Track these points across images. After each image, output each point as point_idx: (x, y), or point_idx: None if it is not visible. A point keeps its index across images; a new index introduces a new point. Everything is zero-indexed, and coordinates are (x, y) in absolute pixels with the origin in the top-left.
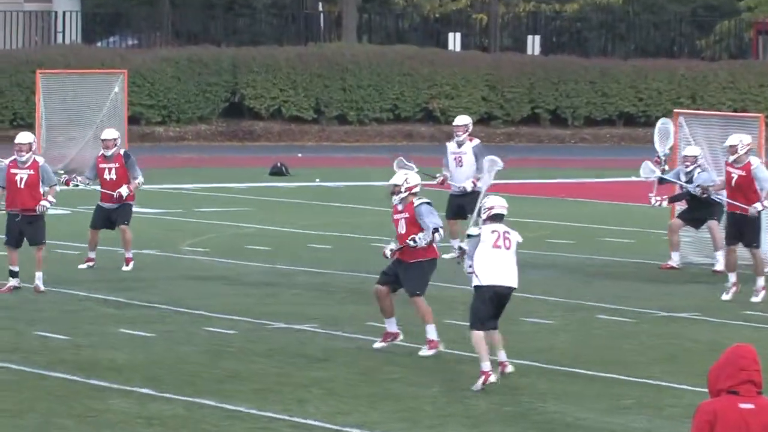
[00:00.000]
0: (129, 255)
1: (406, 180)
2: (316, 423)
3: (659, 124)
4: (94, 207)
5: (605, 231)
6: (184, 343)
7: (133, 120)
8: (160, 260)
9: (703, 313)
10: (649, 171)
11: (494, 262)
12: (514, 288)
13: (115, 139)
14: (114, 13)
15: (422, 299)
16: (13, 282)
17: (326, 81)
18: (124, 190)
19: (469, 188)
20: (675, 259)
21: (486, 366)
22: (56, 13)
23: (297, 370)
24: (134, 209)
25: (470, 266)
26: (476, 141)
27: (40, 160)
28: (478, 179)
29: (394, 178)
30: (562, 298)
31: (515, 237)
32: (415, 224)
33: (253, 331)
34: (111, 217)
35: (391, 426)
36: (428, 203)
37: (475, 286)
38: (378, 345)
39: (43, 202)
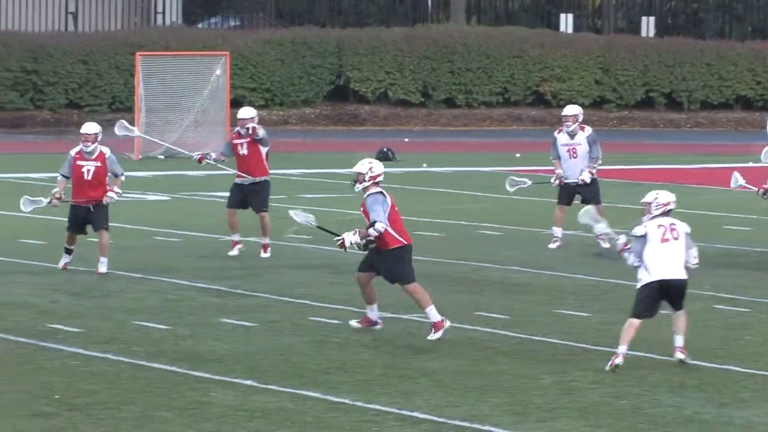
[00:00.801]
0: (266, 241)
1: (370, 168)
2: (423, 416)
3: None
4: (231, 186)
5: (723, 219)
6: (288, 334)
7: (235, 103)
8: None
9: None
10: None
11: (663, 256)
12: (685, 279)
13: (251, 118)
14: None
15: (414, 285)
16: (66, 259)
17: (434, 63)
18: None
19: (588, 180)
20: None
21: (622, 349)
22: None
23: (404, 361)
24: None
25: (636, 262)
26: (589, 129)
27: (106, 150)
28: (594, 169)
29: (357, 165)
30: None
31: (682, 228)
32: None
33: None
34: (248, 197)
35: (500, 419)
36: (378, 193)
37: (643, 282)
38: (353, 323)
39: (110, 194)
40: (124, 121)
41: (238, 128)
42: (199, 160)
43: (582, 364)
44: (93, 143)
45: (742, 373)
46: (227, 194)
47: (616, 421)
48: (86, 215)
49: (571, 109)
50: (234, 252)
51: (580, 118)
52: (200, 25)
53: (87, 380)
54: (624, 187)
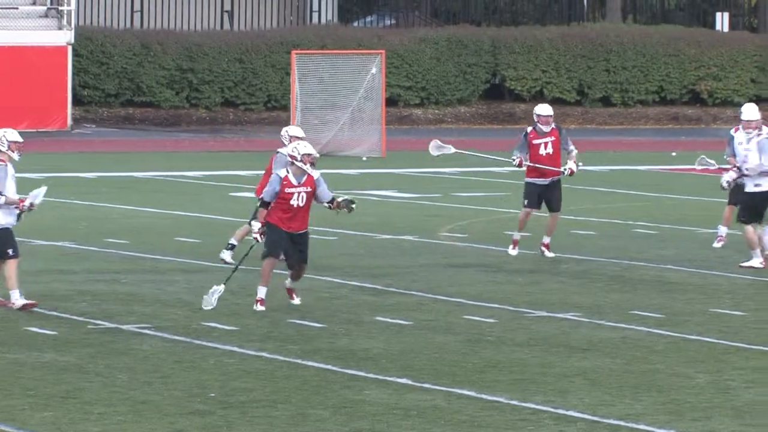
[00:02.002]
0: (546, 240)
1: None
2: (579, 414)
3: None
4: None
5: None
6: (442, 332)
7: (390, 102)
8: (418, 246)
9: None
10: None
11: None
12: None
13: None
14: None
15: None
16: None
17: (589, 62)
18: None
19: None
20: None
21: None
22: None
23: (559, 360)
24: (391, 194)
25: None
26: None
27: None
28: None
29: (310, 147)
30: None
31: None
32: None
33: (514, 320)
34: (545, 194)
35: (656, 418)
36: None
37: None
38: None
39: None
40: (437, 140)
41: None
42: (519, 164)
43: (738, 363)
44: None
45: None
46: (384, 192)
47: None
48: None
49: (756, 113)
50: (514, 252)
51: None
52: (355, 24)
53: (242, 378)
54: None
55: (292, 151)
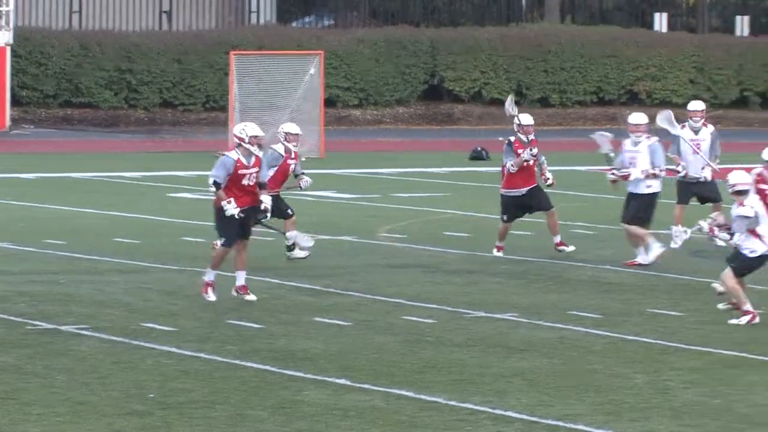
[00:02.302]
0: (557, 239)
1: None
2: (517, 415)
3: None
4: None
5: None
6: (381, 333)
7: (329, 102)
8: (357, 247)
9: None
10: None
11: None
12: None
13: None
14: None
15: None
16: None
17: (528, 63)
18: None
19: (709, 178)
20: None
21: (749, 307)
22: None
23: (497, 360)
24: (329, 194)
25: (734, 241)
26: (711, 126)
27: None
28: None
29: (258, 129)
30: None
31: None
32: None
33: (453, 321)
34: (525, 203)
35: (594, 418)
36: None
37: (758, 256)
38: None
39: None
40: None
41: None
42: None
43: (675, 364)
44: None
45: None
46: (323, 193)
47: (710, 421)
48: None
49: (698, 104)
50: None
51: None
52: (294, 24)
53: (180, 379)
54: (719, 186)
55: (240, 133)
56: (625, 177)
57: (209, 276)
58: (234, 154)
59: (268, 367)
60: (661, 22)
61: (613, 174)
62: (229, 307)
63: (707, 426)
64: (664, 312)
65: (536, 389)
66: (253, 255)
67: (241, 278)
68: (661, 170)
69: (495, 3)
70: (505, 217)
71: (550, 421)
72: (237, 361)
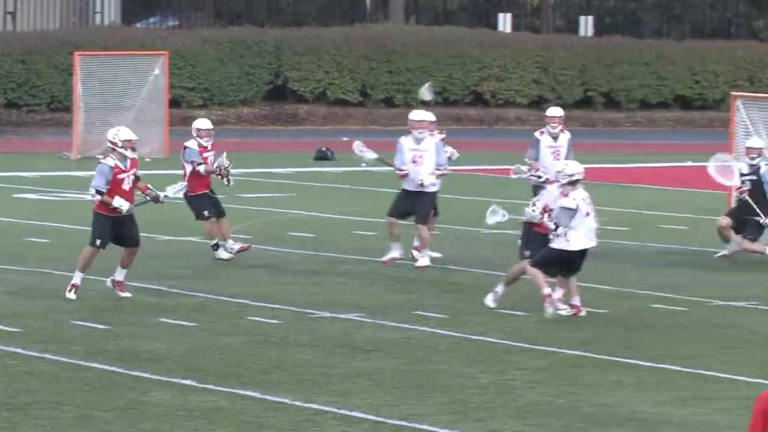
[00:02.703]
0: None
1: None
2: (362, 415)
3: (714, 164)
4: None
5: (661, 218)
6: (226, 333)
7: (173, 103)
8: (201, 247)
9: (762, 302)
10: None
11: (585, 227)
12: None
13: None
14: None
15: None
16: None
17: (372, 63)
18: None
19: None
20: (730, 248)
21: (547, 290)
22: None
23: (342, 360)
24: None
25: (558, 230)
26: (568, 133)
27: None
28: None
29: (130, 132)
30: (615, 287)
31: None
32: None
33: (298, 321)
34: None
35: (439, 418)
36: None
37: (556, 248)
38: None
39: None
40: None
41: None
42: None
43: (520, 363)
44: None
45: (679, 371)
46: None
47: (554, 420)
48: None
49: (557, 111)
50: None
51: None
52: (139, 25)
53: (25, 380)
54: None
55: (113, 138)
56: (405, 174)
57: (76, 278)
58: (110, 161)
59: (113, 368)
60: (505, 22)
61: (401, 170)
62: (74, 308)
63: (552, 426)
64: (509, 312)
65: (381, 389)
66: (98, 257)
67: (120, 274)
68: (445, 169)
69: (339, 3)
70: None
71: (395, 421)
72: (82, 362)
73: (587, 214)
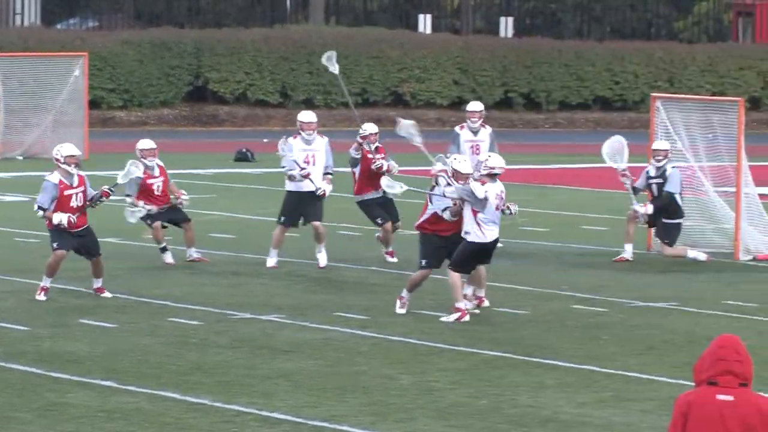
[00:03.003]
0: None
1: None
2: (283, 416)
3: (608, 144)
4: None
5: (581, 219)
6: (147, 335)
7: (93, 104)
8: (122, 249)
9: (681, 303)
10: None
11: (495, 221)
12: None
13: None
14: None
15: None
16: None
17: (293, 64)
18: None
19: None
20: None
21: (461, 305)
22: None
23: (263, 361)
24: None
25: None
26: (489, 128)
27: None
28: None
29: (73, 148)
30: (535, 288)
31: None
32: None
33: (219, 322)
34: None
35: (360, 419)
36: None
37: (472, 241)
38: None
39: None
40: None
41: None
42: None
43: (441, 364)
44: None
45: (600, 373)
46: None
47: (476, 422)
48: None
49: (477, 105)
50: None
51: (484, 114)
52: (59, 26)
53: None
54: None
55: (56, 155)
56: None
57: (45, 282)
58: (54, 177)
59: (33, 370)
60: (425, 23)
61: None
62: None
63: (473, 427)
64: (430, 313)
65: (302, 390)
66: (18, 258)
67: (96, 282)
68: (332, 171)
69: (259, 4)
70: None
71: (316, 423)
72: (2, 363)
73: (496, 208)
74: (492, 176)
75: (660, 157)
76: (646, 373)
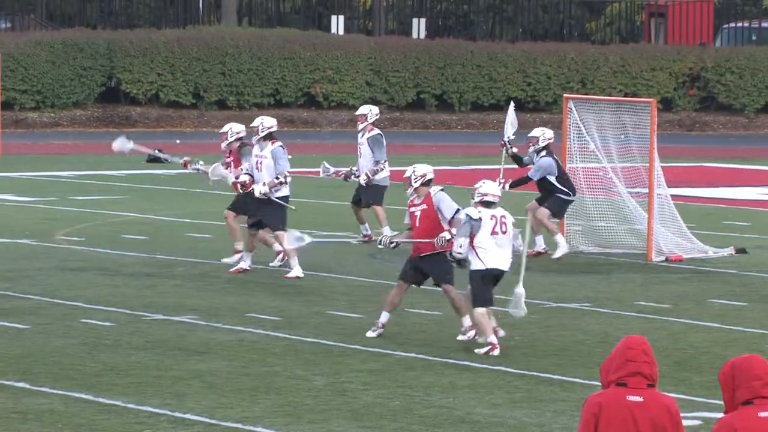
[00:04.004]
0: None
1: None
2: (196, 417)
3: (511, 108)
4: None
5: None
6: (60, 336)
7: (6, 105)
8: (35, 250)
9: (594, 304)
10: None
11: (494, 246)
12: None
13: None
14: None
15: None
16: None
17: (205, 65)
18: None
19: (363, 182)
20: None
21: (493, 339)
22: None
23: (176, 363)
24: (7, 197)
25: (461, 248)
26: (375, 131)
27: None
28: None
29: None
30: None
31: (510, 220)
32: None
33: (131, 323)
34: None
35: (273, 421)
36: None
37: (476, 270)
38: None
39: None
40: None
41: None
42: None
43: (354, 366)
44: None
45: (513, 373)
46: (2, 196)
47: (389, 423)
48: None
49: (361, 109)
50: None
51: (371, 118)
52: None
53: None
54: (393, 188)
55: None
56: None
57: None
58: None
59: None
60: (338, 24)
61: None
62: None
63: (386, 428)
64: (344, 314)
65: (215, 392)
66: None
67: None
68: (286, 176)
69: (172, 5)
70: None
71: (229, 424)
72: None
73: (493, 233)
74: (485, 204)
75: (531, 144)
76: (558, 374)
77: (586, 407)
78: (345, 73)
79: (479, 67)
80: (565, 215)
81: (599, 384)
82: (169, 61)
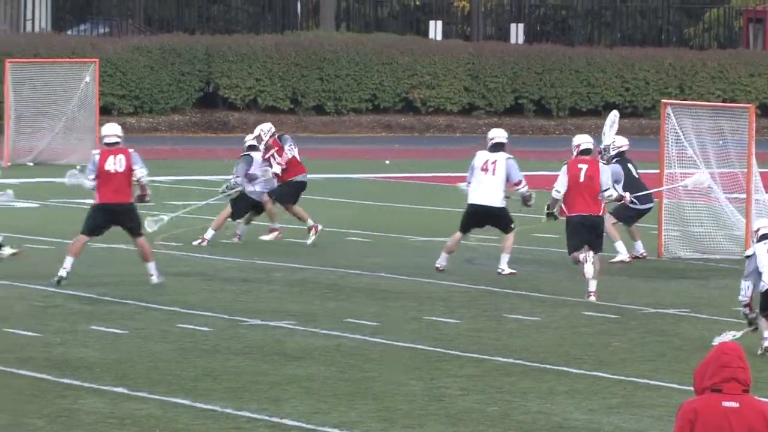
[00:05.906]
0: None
1: None
2: (293, 423)
3: (612, 116)
4: None
5: None
6: (158, 341)
7: (104, 110)
8: (133, 255)
9: (692, 310)
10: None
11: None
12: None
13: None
14: (85, 0)
15: None
16: None
17: (303, 70)
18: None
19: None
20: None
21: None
22: (25, 0)
23: (273, 368)
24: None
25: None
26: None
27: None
28: None
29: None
30: (547, 294)
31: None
32: None
33: (229, 329)
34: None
35: (370, 426)
36: None
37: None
38: None
39: None
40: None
41: None
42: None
43: (452, 371)
44: None
45: (610, 379)
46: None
47: (486, 428)
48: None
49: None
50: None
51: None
52: (69, 32)
53: None
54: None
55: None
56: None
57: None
58: None
59: (44, 376)
60: (435, 30)
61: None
62: (3, 315)
63: None
64: (441, 319)
65: (312, 397)
66: (28, 264)
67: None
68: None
69: (270, 11)
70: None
71: (326, 429)
72: (12, 369)
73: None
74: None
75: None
76: (655, 379)
77: (681, 413)
78: (443, 79)
79: (577, 72)
80: (664, 221)
81: (693, 390)
82: (267, 67)
